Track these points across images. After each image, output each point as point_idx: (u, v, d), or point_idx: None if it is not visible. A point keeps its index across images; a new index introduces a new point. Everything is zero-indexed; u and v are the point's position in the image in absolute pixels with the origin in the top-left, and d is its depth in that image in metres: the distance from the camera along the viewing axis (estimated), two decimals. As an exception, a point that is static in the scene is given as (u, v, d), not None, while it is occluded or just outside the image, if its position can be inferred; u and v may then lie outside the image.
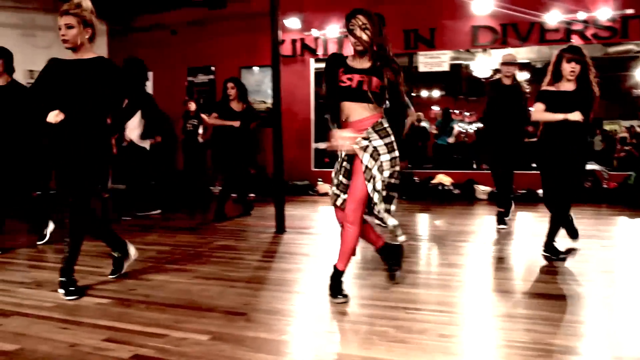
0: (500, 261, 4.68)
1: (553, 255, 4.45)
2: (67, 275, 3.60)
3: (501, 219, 6.13)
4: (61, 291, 3.56)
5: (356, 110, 3.29)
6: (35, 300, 3.55)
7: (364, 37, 3.26)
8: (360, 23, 3.28)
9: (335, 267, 3.44)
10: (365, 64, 3.32)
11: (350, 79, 3.27)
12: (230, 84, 7.11)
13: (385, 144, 3.24)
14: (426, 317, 3.11)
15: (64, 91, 3.55)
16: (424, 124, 13.12)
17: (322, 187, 10.11)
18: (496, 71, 6.72)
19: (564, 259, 4.41)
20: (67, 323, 3.09)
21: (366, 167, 3.22)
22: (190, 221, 7.12)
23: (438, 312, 3.21)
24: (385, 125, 3.29)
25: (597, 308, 3.31)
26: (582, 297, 3.51)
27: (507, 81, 6.15)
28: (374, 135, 3.24)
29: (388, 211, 3.28)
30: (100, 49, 12.01)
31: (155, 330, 2.94)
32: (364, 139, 3.23)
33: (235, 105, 7.05)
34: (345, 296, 3.41)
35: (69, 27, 3.50)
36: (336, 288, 3.43)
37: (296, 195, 9.58)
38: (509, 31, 9.37)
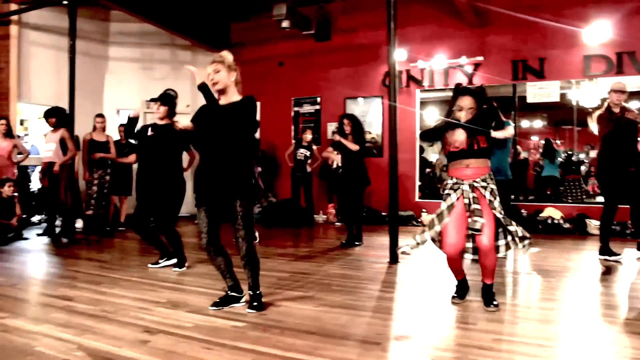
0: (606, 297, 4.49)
1: None
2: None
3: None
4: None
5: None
6: (174, 319, 3.75)
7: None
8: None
9: (484, 282, 4.06)
10: None
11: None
12: (345, 120, 7.29)
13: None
14: (522, 350, 3.05)
15: (210, 133, 3.94)
16: (524, 154, 12.85)
17: (426, 217, 10.07)
18: (603, 100, 6.52)
19: None
20: (210, 344, 3.24)
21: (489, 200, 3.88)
22: (300, 248, 7.27)
23: (536, 345, 3.14)
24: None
25: None
26: None
27: (616, 109, 6.07)
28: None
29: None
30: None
31: (295, 355, 3.03)
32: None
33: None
34: (497, 305, 3.97)
35: (217, 72, 3.93)
36: (489, 298, 4.03)
37: (399, 225, 9.54)
38: (625, 59, 9.05)
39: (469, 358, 2.99)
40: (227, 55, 4.04)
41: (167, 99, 5.75)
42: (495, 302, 3.97)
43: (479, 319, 3.74)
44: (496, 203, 3.84)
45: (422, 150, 12.86)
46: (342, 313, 3.91)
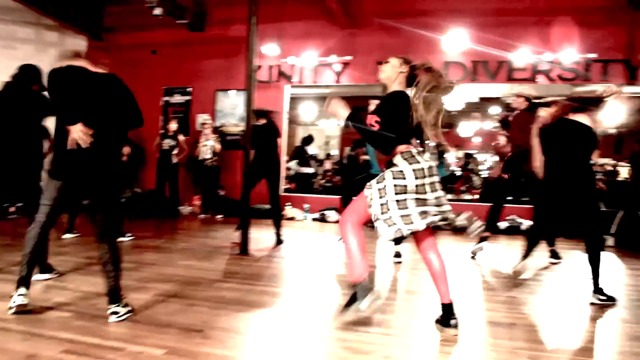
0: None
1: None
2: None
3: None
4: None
5: None
6: (-3, 310, 3.63)
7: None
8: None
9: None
10: None
11: None
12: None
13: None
14: (373, 339, 3.27)
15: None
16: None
17: (289, 211, 10.28)
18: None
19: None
20: (27, 334, 3.18)
21: None
22: (157, 239, 7.20)
23: (385, 335, 3.37)
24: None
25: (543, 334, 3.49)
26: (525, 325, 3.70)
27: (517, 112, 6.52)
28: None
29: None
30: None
31: (113, 344, 3.04)
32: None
33: None
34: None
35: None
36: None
37: (262, 218, 9.70)
38: (479, 68, 9.75)
39: (296, 346, 3.15)
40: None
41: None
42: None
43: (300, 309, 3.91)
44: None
45: (309, 141, 13.25)
46: (175, 302, 3.96)
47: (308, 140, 14.16)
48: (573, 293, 4.80)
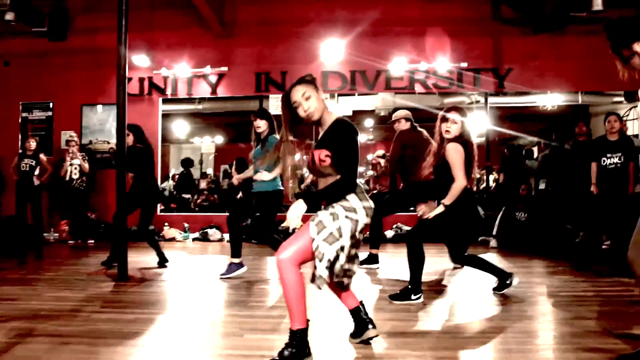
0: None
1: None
2: None
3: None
4: None
5: None
6: None
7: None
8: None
9: None
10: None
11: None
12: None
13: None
14: None
15: None
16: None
17: (168, 232, 9.66)
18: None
19: None
20: None
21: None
22: (18, 271, 6.35)
23: None
24: None
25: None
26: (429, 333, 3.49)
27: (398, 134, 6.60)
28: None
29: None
30: None
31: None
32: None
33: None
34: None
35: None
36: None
37: (139, 240, 9.01)
38: (358, 77, 9.73)
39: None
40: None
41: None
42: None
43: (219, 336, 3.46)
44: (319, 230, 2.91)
45: (189, 164, 12.60)
46: (43, 342, 3.33)
47: (189, 162, 13.50)
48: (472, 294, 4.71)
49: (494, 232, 8.42)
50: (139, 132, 6.64)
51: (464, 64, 9.51)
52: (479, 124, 11.33)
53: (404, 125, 6.56)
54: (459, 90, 9.85)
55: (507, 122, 12.08)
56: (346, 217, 2.91)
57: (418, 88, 9.62)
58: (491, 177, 11.03)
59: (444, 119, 4.57)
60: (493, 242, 8.34)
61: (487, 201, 9.50)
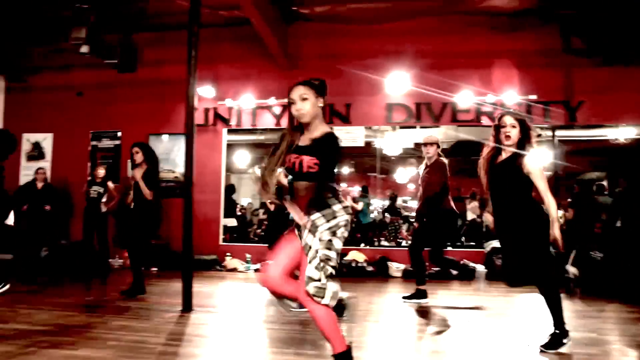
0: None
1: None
2: None
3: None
4: None
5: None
6: None
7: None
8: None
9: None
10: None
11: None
12: (135, 149, 6.69)
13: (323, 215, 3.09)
14: None
15: None
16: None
17: (230, 262, 9.67)
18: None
19: None
20: None
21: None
22: (85, 297, 6.44)
23: None
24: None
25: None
26: None
27: (427, 161, 6.49)
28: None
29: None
30: (-6, 106, 11.29)
31: None
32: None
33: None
34: None
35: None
36: None
37: (202, 269, 9.07)
38: (423, 110, 9.61)
39: None
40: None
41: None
42: None
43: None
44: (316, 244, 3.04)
45: (231, 191, 12.54)
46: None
47: (231, 189, 13.51)
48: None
49: (567, 266, 8.02)
50: (150, 151, 6.76)
51: (533, 97, 9.25)
52: (546, 157, 11.03)
53: (434, 152, 6.46)
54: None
55: (575, 156, 11.68)
56: (344, 225, 3.11)
57: (485, 120, 9.40)
58: (559, 213, 10.64)
59: (502, 124, 4.16)
60: (571, 273, 7.90)
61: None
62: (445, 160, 6.42)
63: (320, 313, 3.02)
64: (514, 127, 4.13)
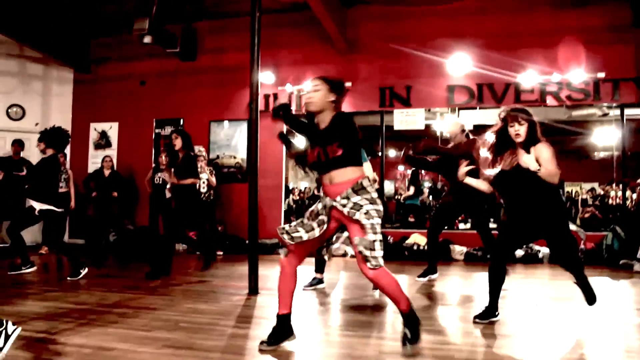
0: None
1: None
2: None
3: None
4: None
5: None
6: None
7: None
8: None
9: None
10: None
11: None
12: (174, 135, 6.93)
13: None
14: None
15: None
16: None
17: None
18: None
19: None
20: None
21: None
22: (151, 281, 6.61)
23: None
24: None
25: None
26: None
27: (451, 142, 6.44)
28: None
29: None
30: (65, 97, 11.69)
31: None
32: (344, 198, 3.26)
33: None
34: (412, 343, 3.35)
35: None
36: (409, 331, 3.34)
37: (264, 253, 9.18)
38: (485, 91, 9.40)
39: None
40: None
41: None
42: (410, 341, 3.29)
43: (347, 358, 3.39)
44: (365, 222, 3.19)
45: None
46: (187, 355, 3.39)
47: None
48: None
49: (638, 255, 7.77)
50: (188, 138, 6.96)
51: (601, 74, 8.90)
52: (612, 136, 10.65)
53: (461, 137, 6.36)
54: (592, 102, 9.23)
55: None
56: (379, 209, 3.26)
57: (550, 100, 9.12)
58: (628, 194, 10.27)
59: (513, 121, 4.15)
60: (637, 266, 7.69)
61: (626, 221, 8.81)
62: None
63: (382, 279, 3.24)
64: (522, 125, 4.13)
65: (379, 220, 3.22)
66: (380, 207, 3.26)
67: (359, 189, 3.24)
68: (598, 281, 6.23)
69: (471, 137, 6.33)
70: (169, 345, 3.61)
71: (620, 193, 10.17)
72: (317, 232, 3.34)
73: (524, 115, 4.18)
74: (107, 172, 10.03)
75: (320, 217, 3.37)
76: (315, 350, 3.69)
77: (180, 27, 10.44)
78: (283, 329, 3.54)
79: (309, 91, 3.44)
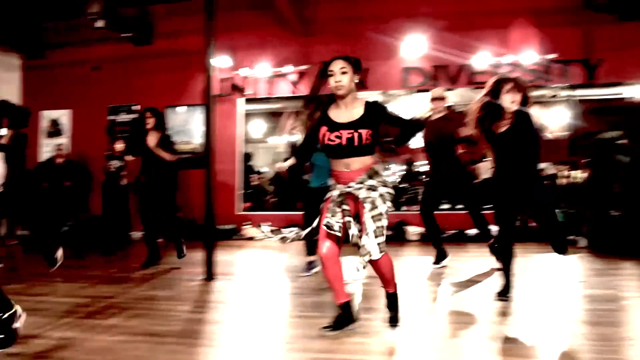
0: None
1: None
2: None
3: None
4: None
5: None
6: None
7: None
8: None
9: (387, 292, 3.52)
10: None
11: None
12: (147, 113, 6.70)
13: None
14: None
15: None
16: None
17: (248, 231, 9.74)
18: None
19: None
20: None
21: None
22: (109, 270, 6.54)
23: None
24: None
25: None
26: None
27: (435, 116, 6.37)
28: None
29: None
30: (13, 84, 11.35)
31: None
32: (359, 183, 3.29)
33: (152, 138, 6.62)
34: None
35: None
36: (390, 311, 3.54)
37: (220, 239, 9.14)
38: (439, 73, 9.51)
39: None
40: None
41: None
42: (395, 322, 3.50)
43: (306, 338, 3.43)
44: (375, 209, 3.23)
45: (247, 158, 12.53)
46: (142, 341, 3.39)
47: (247, 157, 13.39)
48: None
49: (583, 231, 8.01)
50: (161, 117, 6.88)
51: (552, 55, 9.09)
52: (562, 117, 10.87)
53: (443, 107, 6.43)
54: (543, 83, 9.42)
55: (592, 115, 11.50)
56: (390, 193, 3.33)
57: (503, 81, 9.29)
58: (576, 173, 10.53)
59: (510, 88, 4.14)
60: (582, 242, 7.93)
61: (574, 198, 9.06)
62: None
63: (384, 261, 3.28)
64: (517, 93, 4.16)
65: (390, 204, 3.27)
66: (392, 190, 3.32)
67: (372, 174, 3.29)
68: (545, 257, 6.40)
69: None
70: (125, 332, 3.60)
71: (569, 172, 10.42)
72: (346, 219, 3.31)
73: (524, 84, 4.28)
74: (59, 161, 9.80)
75: (343, 206, 3.34)
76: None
77: (134, 10, 10.23)
78: (346, 316, 3.47)
79: (334, 73, 3.37)
